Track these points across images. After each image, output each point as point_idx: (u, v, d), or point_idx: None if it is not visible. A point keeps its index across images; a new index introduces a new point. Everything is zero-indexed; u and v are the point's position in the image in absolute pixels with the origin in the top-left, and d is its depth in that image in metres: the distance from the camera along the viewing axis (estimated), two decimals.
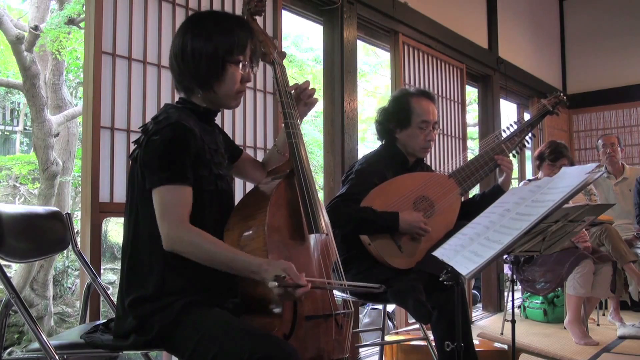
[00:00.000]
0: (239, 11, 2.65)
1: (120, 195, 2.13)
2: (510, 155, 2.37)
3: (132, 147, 1.48)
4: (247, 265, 1.30)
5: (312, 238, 1.56)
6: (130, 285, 1.40)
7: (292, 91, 1.69)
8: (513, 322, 1.97)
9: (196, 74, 1.45)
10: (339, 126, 3.09)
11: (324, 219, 1.58)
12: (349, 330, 1.56)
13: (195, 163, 1.40)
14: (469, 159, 2.35)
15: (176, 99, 2.31)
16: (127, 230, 1.45)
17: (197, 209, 1.40)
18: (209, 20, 1.49)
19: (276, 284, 1.22)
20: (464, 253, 1.43)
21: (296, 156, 1.58)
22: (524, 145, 2.44)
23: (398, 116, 2.27)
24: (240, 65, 1.48)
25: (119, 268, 1.57)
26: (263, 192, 1.53)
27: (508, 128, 2.41)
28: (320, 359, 1.43)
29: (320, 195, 2.52)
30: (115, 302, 1.54)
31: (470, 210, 2.12)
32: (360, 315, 3.72)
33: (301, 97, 1.71)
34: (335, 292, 2.25)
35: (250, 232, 1.41)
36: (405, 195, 2.14)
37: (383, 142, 2.37)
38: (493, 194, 2.25)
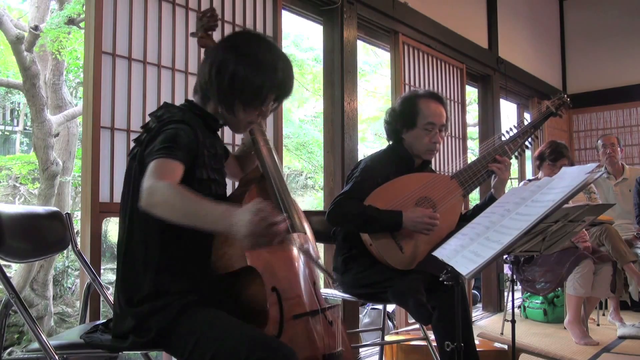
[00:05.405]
0: (239, 11, 2.65)
1: (120, 195, 2.12)
2: (513, 157, 2.36)
3: (133, 146, 1.48)
4: (224, 217, 1.15)
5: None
6: (125, 284, 1.41)
7: None
8: (513, 322, 1.97)
9: (230, 95, 1.44)
10: (339, 126, 3.09)
11: (300, 218, 1.62)
12: (339, 324, 1.57)
13: (193, 164, 1.39)
14: (469, 160, 2.35)
15: (176, 98, 2.34)
16: (122, 229, 1.45)
17: None
18: (259, 47, 1.48)
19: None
20: (464, 253, 1.43)
21: (262, 160, 1.62)
22: (527, 147, 2.44)
23: (404, 117, 2.26)
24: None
25: None
26: (237, 198, 1.57)
27: (511, 129, 2.41)
28: (314, 357, 1.43)
29: (321, 195, 2.51)
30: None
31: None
32: (360, 315, 3.71)
33: None
34: (334, 292, 2.26)
35: (228, 238, 1.41)
36: (408, 196, 2.14)
37: (390, 143, 2.37)
38: (486, 204, 2.21)
